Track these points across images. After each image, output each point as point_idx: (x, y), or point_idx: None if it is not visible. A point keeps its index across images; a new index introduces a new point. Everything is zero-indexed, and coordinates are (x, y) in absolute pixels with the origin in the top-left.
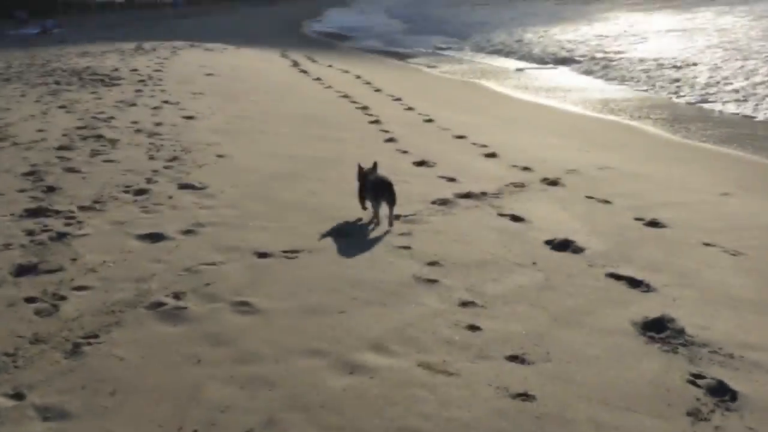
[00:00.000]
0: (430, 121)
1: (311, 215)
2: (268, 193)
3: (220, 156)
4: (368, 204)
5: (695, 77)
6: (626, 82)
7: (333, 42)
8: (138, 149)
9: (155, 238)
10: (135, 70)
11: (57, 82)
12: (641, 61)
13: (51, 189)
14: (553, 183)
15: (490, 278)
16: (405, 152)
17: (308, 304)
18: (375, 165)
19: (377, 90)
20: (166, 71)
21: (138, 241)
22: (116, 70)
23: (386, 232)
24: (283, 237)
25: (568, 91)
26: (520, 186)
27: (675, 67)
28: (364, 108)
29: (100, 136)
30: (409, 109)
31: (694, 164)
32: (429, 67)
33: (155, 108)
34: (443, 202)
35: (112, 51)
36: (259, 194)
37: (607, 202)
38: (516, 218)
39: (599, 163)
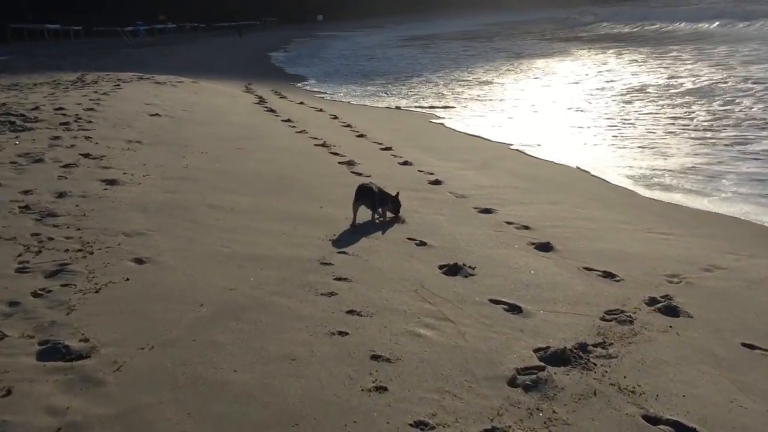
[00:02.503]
0: (437, 183)
1: None
2: (205, 368)
3: (137, 261)
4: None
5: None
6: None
7: (301, 76)
8: (7, 249)
9: None
10: (61, 108)
11: None
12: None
13: None
14: (672, 310)
15: None
16: (423, 244)
17: None
18: (398, 194)
19: (360, 135)
20: (100, 110)
21: None
22: (37, 108)
23: None
24: None
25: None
26: (627, 321)
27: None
28: (350, 163)
29: None
30: (406, 163)
31: None
32: (403, 106)
33: (66, 166)
34: (532, 381)
35: (47, 83)
36: (189, 374)
37: None
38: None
39: (700, 260)
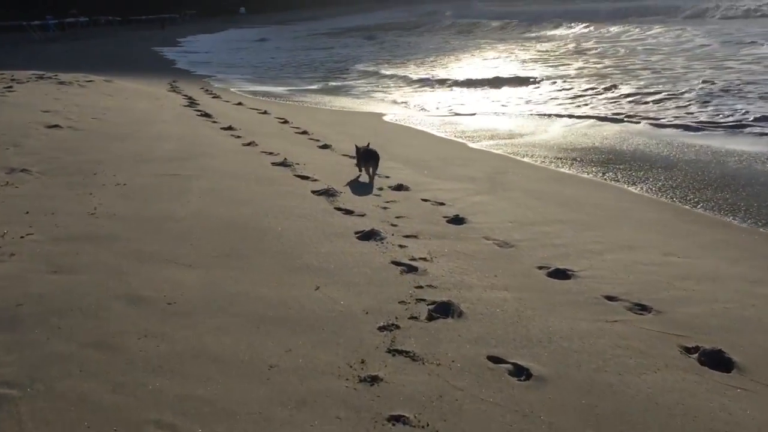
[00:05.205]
0: (458, 221)
1: None
2: None
3: None
4: None
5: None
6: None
7: (231, 70)
8: None
9: None
10: None
11: None
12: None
13: None
14: None
15: None
16: (525, 375)
17: None
18: (368, 144)
19: (324, 146)
20: None
21: None
22: None
23: None
24: None
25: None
26: None
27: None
28: (330, 193)
29: None
30: (401, 188)
31: None
32: (355, 106)
33: None
34: None
35: None
36: None
37: None
38: None
39: None
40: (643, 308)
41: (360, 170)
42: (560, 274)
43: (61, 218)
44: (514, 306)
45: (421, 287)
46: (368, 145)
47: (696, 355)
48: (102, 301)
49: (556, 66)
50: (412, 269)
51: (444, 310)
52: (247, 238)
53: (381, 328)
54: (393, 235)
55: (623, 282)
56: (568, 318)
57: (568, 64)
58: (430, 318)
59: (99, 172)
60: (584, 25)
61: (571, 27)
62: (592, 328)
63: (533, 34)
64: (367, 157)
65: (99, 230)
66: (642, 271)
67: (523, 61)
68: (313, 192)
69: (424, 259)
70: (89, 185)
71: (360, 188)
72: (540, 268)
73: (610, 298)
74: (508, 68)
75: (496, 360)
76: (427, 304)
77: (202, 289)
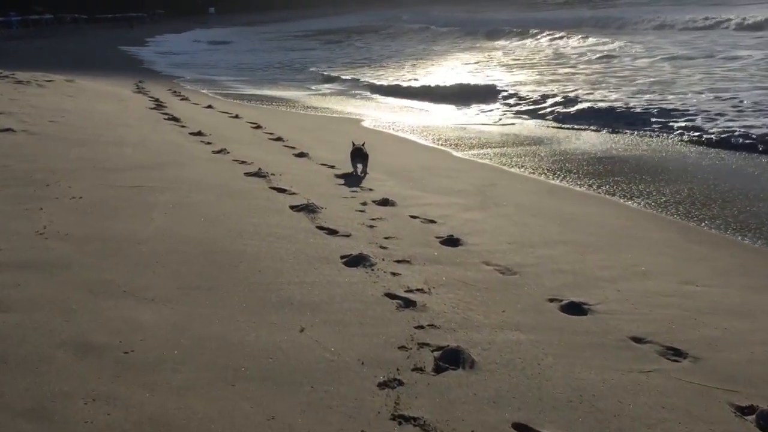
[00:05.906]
0: (452, 242)
1: None
2: None
3: None
4: None
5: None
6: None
7: (201, 71)
8: None
9: None
10: None
11: None
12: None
13: None
14: None
15: None
16: None
17: None
18: (363, 144)
19: (300, 154)
20: None
21: None
22: None
23: None
24: None
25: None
26: None
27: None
28: (310, 209)
29: None
30: (387, 202)
31: None
32: (328, 108)
33: None
34: None
35: None
36: None
37: None
38: None
39: None
40: (676, 353)
41: (354, 167)
42: (575, 309)
43: (4, 239)
44: (531, 351)
45: (422, 327)
46: (363, 145)
47: (753, 417)
48: (43, 350)
49: (541, 72)
50: (409, 303)
51: (453, 358)
52: (219, 265)
53: (381, 385)
54: (383, 260)
55: (646, 318)
56: (595, 367)
57: (554, 71)
58: (438, 369)
59: (52, 183)
60: (554, 32)
61: (543, 34)
62: (626, 381)
63: (507, 42)
64: (353, 155)
65: (47, 254)
66: (662, 303)
67: (506, 66)
68: (292, 207)
69: (422, 290)
70: (40, 198)
71: (343, 199)
72: (551, 300)
73: (636, 340)
74: (491, 74)
75: (524, 429)
76: (432, 350)
77: (165, 331)
